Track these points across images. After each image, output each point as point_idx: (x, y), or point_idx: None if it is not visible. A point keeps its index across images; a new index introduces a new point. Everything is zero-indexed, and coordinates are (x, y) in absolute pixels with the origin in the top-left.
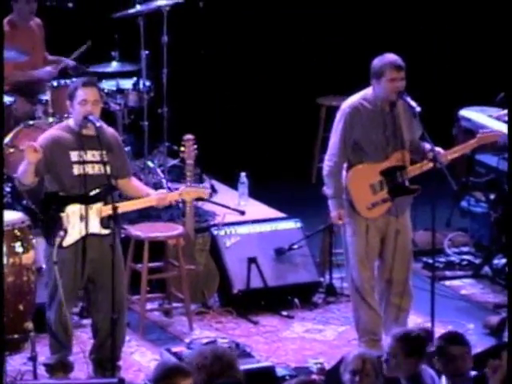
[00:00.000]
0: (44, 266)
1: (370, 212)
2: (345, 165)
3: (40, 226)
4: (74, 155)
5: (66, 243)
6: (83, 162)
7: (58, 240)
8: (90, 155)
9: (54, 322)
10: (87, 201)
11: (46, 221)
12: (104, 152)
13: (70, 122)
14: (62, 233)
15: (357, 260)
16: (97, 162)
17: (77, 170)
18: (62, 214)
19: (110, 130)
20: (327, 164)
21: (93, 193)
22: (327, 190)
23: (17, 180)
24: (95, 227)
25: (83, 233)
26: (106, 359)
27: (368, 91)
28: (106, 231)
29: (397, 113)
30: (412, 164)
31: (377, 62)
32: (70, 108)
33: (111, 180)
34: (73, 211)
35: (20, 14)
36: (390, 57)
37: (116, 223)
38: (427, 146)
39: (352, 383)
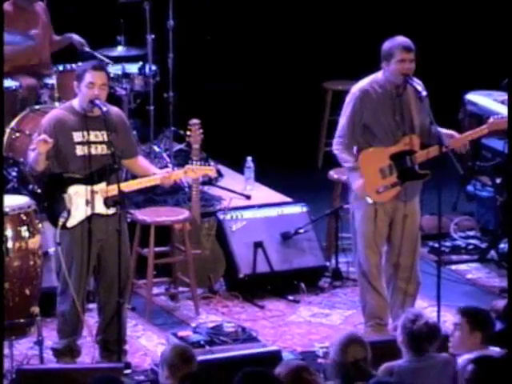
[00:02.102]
0: (51, 251)
1: (379, 196)
2: (354, 148)
3: (43, 208)
4: (78, 136)
5: (70, 224)
6: (87, 143)
7: (61, 221)
8: (94, 136)
9: (67, 308)
10: (90, 181)
11: (49, 202)
12: (108, 132)
13: (74, 102)
14: (65, 214)
15: (365, 244)
16: (100, 143)
17: (80, 150)
18: (65, 195)
19: (115, 110)
20: (336, 145)
21: (95, 173)
22: (346, 164)
23: (29, 167)
24: (99, 207)
25: (88, 213)
26: (112, 341)
27: (378, 75)
28: (111, 211)
29: (407, 97)
30: (422, 148)
31: (387, 44)
32: (76, 89)
33: (116, 160)
34: (75, 192)
35: None
36: (400, 39)
37: (121, 205)
38: (437, 130)
39: None
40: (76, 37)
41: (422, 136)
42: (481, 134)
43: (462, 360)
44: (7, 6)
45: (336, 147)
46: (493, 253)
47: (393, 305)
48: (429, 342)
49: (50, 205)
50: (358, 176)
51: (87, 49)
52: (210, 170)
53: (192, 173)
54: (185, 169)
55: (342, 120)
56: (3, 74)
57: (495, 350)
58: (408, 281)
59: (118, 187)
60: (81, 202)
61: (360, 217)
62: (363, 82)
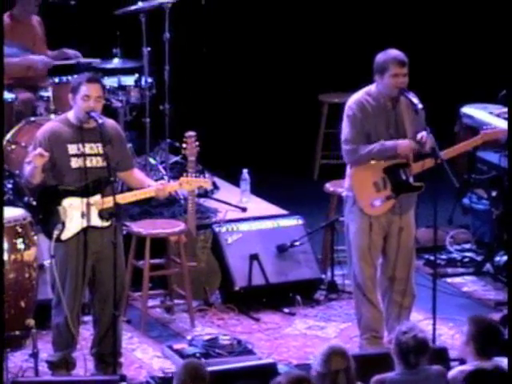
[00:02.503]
0: (46, 263)
1: (373, 209)
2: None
3: (38, 220)
4: (73, 148)
5: (64, 236)
6: (82, 155)
7: (55, 233)
8: (89, 148)
9: (61, 321)
10: (85, 193)
11: (44, 214)
12: (103, 145)
13: (70, 114)
14: (59, 226)
15: (359, 257)
16: (95, 155)
17: (75, 162)
18: (59, 207)
19: (110, 123)
20: (348, 154)
21: (90, 185)
22: (374, 151)
23: (25, 180)
24: (95, 220)
25: (83, 226)
26: (108, 354)
27: (371, 88)
28: (106, 223)
29: (400, 109)
30: (415, 161)
31: (380, 57)
32: (71, 101)
33: (111, 172)
34: (70, 204)
35: (25, 7)
36: (394, 52)
37: (117, 217)
38: (433, 141)
39: None
40: (69, 50)
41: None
42: (474, 145)
43: (453, 372)
44: (5, 19)
45: (346, 152)
46: (488, 266)
47: (388, 317)
48: (415, 355)
49: (45, 217)
50: (389, 145)
51: (82, 60)
52: (205, 182)
53: (187, 185)
54: (180, 181)
55: (345, 130)
56: (3, 90)
57: (492, 362)
58: (403, 294)
59: (114, 199)
60: (76, 214)
61: (354, 229)
62: (357, 96)
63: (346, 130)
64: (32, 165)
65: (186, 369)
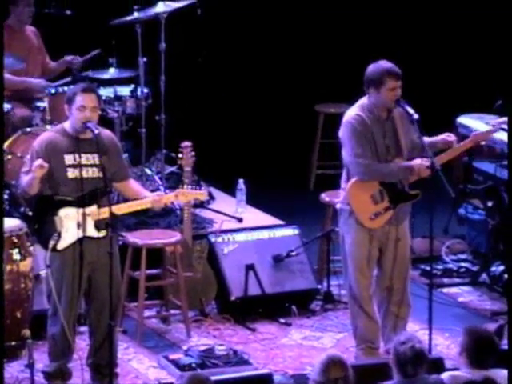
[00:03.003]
0: (42, 274)
1: (372, 222)
2: (344, 176)
3: (34, 230)
4: (69, 158)
5: (60, 247)
6: (78, 166)
7: (51, 243)
8: (85, 159)
9: (57, 331)
10: (81, 204)
11: (39, 224)
12: (99, 155)
13: (66, 125)
14: (55, 236)
15: (355, 268)
16: (91, 166)
17: (71, 173)
18: (55, 218)
19: (106, 133)
20: (359, 167)
21: (86, 196)
22: (394, 168)
23: (22, 191)
24: (90, 230)
25: (79, 236)
26: (104, 364)
27: (363, 101)
28: (102, 234)
29: (394, 119)
30: None
31: (374, 71)
32: (67, 112)
33: (107, 183)
34: (66, 214)
35: (19, 18)
36: (387, 65)
37: (112, 227)
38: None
39: None
40: (69, 58)
41: (412, 155)
42: (465, 148)
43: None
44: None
45: (360, 168)
46: (484, 276)
47: (384, 328)
48: (413, 366)
49: (41, 227)
50: (405, 165)
51: (80, 59)
52: (201, 194)
53: (183, 197)
54: (175, 192)
55: (351, 145)
56: (3, 95)
57: (485, 373)
58: (400, 304)
59: (110, 210)
60: (71, 224)
61: (350, 240)
62: (353, 111)
63: (351, 144)
64: (31, 175)
65: (192, 381)
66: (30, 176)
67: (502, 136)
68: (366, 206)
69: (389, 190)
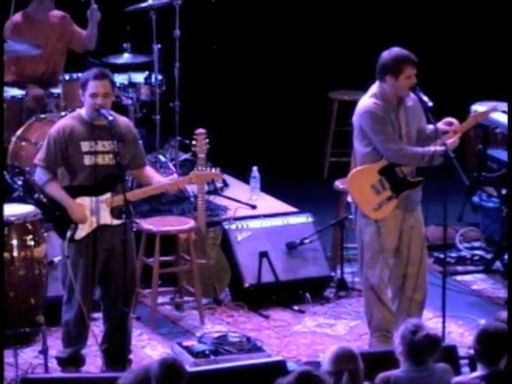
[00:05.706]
0: (56, 260)
1: (377, 213)
2: (352, 166)
3: (51, 220)
4: (85, 145)
5: (77, 236)
6: (94, 153)
7: (69, 233)
8: (101, 145)
9: (71, 318)
10: (96, 191)
11: (56, 214)
12: (115, 142)
13: (82, 111)
14: (72, 226)
15: (374, 259)
16: (107, 153)
17: (88, 160)
18: None
19: (122, 120)
20: (395, 153)
21: (101, 183)
22: (427, 152)
23: (41, 188)
24: (106, 218)
25: (94, 225)
26: (117, 350)
27: (374, 90)
28: (117, 222)
29: (405, 106)
30: None
31: (390, 58)
32: (81, 97)
33: (122, 170)
34: (81, 204)
35: (41, 5)
36: (405, 52)
37: (127, 215)
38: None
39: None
40: (90, 12)
41: (422, 139)
42: (467, 128)
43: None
44: (17, 17)
45: (396, 153)
46: (498, 264)
47: (400, 314)
48: (429, 353)
49: (57, 218)
50: (435, 150)
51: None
52: (216, 175)
53: (197, 178)
54: (190, 175)
55: (378, 132)
56: (3, 81)
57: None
58: (415, 289)
59: (124, 197)
60: (87, 213)
61: (371, 231)
62: (369, 100)
63: (377, 132)
64: (65, 203)
65: (162, 366)
66: (62, 199)
67: None
68: (368, 197)
69: (389, 179)
